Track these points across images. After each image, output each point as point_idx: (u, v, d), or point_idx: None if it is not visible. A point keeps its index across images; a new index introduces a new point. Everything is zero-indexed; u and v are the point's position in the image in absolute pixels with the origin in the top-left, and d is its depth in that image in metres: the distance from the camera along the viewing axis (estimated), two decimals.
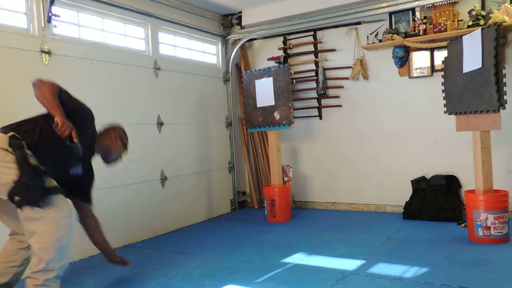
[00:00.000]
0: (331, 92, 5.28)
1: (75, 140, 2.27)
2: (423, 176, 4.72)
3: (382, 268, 3.05)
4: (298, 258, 3.39)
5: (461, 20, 4.37)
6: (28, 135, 2.33)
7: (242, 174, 5.94)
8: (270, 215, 4.83)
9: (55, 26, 3.57)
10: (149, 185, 4.41)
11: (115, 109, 4.06)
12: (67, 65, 3.64)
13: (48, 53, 3.48)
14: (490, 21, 3.96)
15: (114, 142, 2.72)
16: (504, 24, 3.85)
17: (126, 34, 4.31)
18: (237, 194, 5.79)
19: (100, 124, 3.91)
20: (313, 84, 5.36)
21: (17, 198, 2.17)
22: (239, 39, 5.54)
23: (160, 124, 4.57)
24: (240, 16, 5.52)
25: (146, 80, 4.43)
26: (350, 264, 3.16)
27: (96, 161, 2.81)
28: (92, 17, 3.96)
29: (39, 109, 3.41)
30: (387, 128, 4.97)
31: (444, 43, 4.27)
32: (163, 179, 4.58)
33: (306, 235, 4.13)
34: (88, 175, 2.71)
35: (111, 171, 3.98)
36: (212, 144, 5.38)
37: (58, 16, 3.56)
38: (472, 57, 3.50)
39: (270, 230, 4.41)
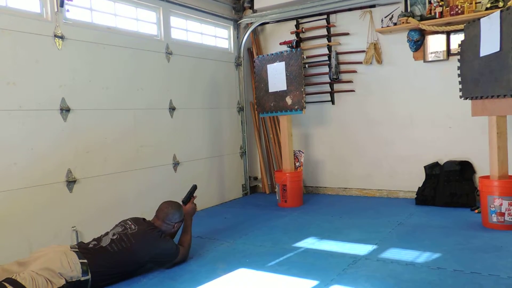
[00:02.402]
0: (344, 76, 5.22)
1: None
2: (437, 162, 4.67)
3: (394, 253, 3.04)
4: (310, 243, 3.41)
5: (479, 2, 4.26)
6: None
7: (253, 159, 5.95)
8: (282, 200, 4.84)
9: (67, 11, 3.57)
10: (162, 170, 4.44)
11: (127, 94, 4.08)
12: (80, 50, 3.65)
13: (61, 37, 3.49)
14: (509, 3, 3.86)
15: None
16: None
17: (138, 19, 4.29)
18: (249, 179, 5.81)
19: (110, 108, 3.96)
20: (325, 69, 5.30)
21: None
22: (251, 23, 5.49)
23: (172, 109, 4.58)
24: (252, 0, 5.45)
25: (158, 64, 4.43)
26: (361, 249, 3.17)
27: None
28: (104, 1, 3.95)
29: (51, 93, 3.46)
30: (401, 113, 4.91)
31: (461, 26, 4.17)
32: (176, 163, 4.61)
33: (318, 220, 4.14)
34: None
35: (124, 156, 4.04)
36: (224, 129, 5.38)
37: (71, 0, 3.56)
38: (490, 41, 3.41)
39: (281, 215, 4.43)
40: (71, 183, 3.54)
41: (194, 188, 3.37)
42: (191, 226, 3.23)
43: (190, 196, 3.32)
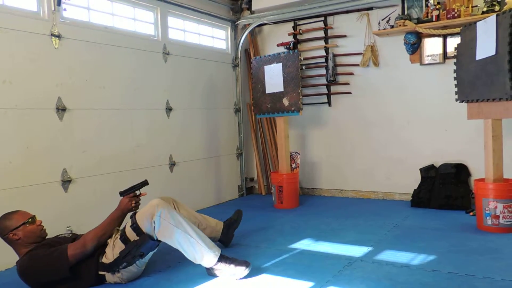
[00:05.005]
0: (340, 78, 5.23)
1: None
2: (432, 164, 4.69)
3: (389, 255, 3.05)
4: (305, 244, 3.41)
5: (476, 6, 4.28)
6: None
7: (250, 160, 5.95)
8: (278, 201, 4.85)
9: (65, 10, 3.56)
10: (158, 170, 4.44)
11: (124, 94, 4.07)
12: (77, 49, 3.64)
13: (58, 36, 3.48)
14: (505, 7, 3.87)
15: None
16: None
17: (135, 18, 4.29)
18: (245, 180, 5.81)
19: (107, 108, 3.95)
20: (322, 71, 5.31)
21: None
22: (249, 24, 5.50)
23: (169, 109, 4.57)
24: (250, 1, 5.46)
25: (155, 65, 4.43)
26: (357, 251, 3.17)
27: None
28: (101, 0, 3.94)
29: (48, 92, 3.45)
30: (397, 115, 4.93)
31: (458, 30, 4.20)
32: (172, 164, 4.61)
33: (314, 222, 4.14)
34: None
35: (120, 156, 4.03)
36: (220, 130, 5.38)
37: None
38: (486, 44, 3.43)
39: (277, 216, 4.43)
40: (66, 182, 3.53)
41: (142, 184, 2.87)
42: (113, 217, 2.74)
43: (131, 191, 2.82)
